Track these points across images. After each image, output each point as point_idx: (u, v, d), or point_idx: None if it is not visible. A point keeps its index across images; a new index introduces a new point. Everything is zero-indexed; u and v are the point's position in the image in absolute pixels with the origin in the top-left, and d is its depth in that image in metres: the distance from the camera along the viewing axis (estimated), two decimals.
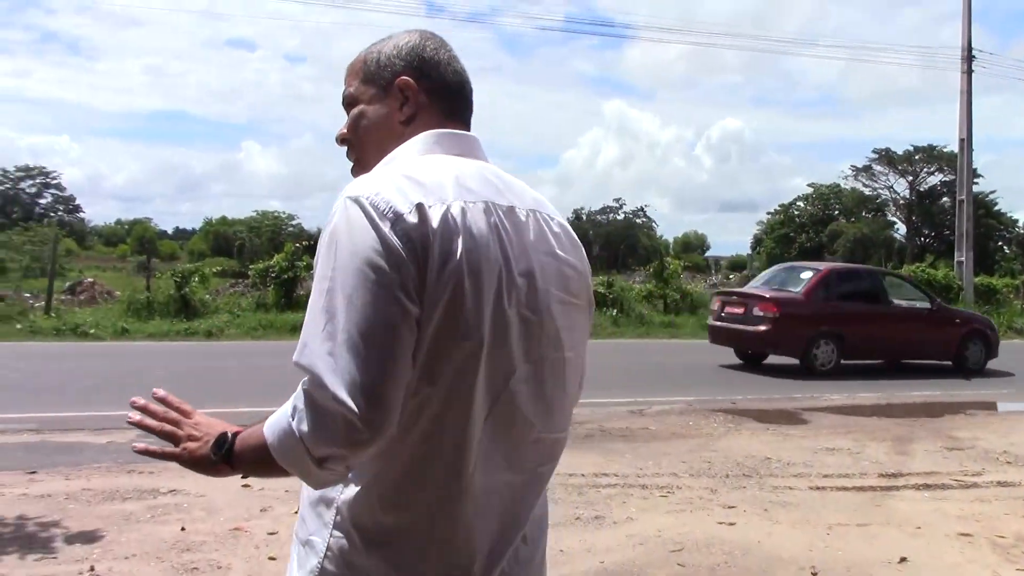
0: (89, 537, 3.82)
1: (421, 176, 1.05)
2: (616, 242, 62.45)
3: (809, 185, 58.23)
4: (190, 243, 61.62)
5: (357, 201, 1.02)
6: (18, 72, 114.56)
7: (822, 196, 55.37)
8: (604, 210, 67.14)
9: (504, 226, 1.07)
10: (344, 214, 1.02)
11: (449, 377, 1.01)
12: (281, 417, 1.01)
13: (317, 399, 0.97)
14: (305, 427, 0.97)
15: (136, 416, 1.17)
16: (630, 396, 8.33)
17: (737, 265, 55.78)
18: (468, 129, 1.21)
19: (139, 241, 55.50)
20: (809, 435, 6.85)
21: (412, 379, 0.99)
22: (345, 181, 1.12)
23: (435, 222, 1.00)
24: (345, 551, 1.05)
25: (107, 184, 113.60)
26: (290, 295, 16.05)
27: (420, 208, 1.01)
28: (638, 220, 67.45)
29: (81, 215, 72.19)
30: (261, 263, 16.80)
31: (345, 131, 1.24)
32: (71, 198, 69.52)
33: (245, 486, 4.64)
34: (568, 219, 1.26)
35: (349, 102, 1.23)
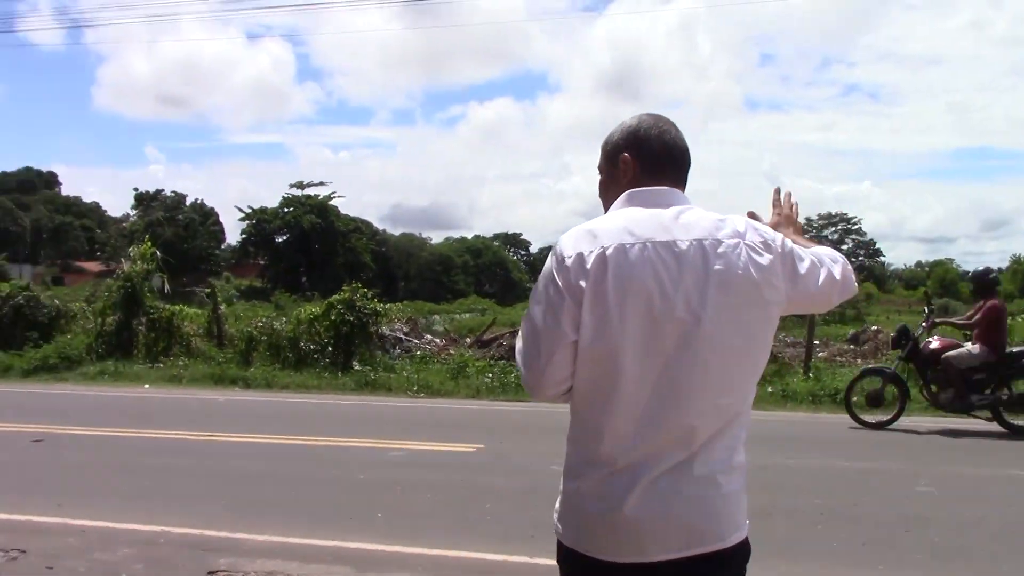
0: None
1: (597, 227, 1.52)
2: None
3: None
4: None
5: (554, 246, 1.56)
6: (824, 126, 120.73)
7: None
8: None
9: (660, 256, 1.47)
10: (551, 253, 1.57)
11: (593, 366, 1.50)
12: None
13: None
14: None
15: None
16: None
17: None
18: (678, 184, 1.63)
19: (939, 283, 51.47)
20: None
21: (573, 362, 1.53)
22: None
23: (589, 264, 1.48)
24: None
25: (908, 226, 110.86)
26: None
27: (579, 256, 1.49)
28: None
29: (881, 259, 72.77)
30: None
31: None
32: (871, 242, 70.67)
33: None
34: None
35: (599, 171, 1.74)
